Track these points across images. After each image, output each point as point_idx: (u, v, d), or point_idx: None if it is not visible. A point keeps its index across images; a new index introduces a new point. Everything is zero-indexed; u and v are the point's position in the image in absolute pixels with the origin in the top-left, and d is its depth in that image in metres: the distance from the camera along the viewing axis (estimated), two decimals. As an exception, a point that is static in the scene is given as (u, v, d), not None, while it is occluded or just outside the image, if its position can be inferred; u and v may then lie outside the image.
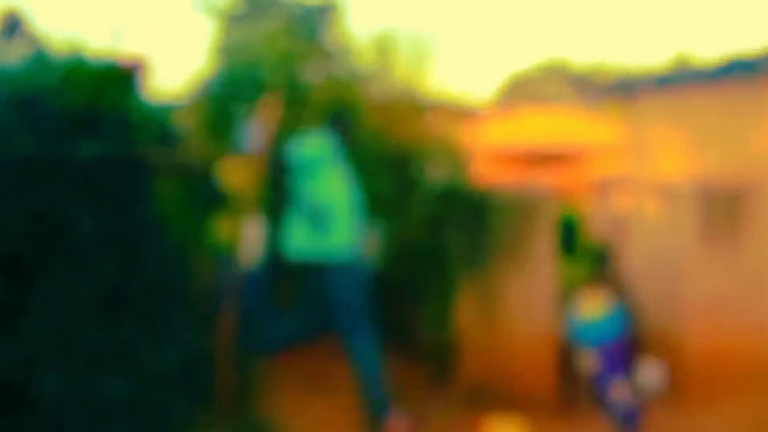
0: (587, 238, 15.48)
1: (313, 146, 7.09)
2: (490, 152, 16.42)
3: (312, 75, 11.62)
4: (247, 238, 6.77)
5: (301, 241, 6.84)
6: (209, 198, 7.42)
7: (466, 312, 9.51)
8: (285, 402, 7.09)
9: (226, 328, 6.15)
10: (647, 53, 79.34)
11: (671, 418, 9.34)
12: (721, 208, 9.75)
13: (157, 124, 7.07)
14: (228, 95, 11.13)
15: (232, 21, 25.02)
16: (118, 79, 5.70)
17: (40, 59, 5.53)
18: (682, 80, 11.93)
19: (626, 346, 8.91)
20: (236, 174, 7.05)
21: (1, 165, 5.03)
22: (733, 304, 9.58)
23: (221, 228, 6.91)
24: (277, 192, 7.45)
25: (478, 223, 9.55)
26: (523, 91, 48.28)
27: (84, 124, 5.45)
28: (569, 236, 10.84)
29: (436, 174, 9.82)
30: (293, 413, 7.07)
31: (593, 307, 8.27)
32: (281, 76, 10.78)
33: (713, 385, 9.34)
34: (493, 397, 9.25)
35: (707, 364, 9.37)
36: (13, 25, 8.24)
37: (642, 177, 11.54)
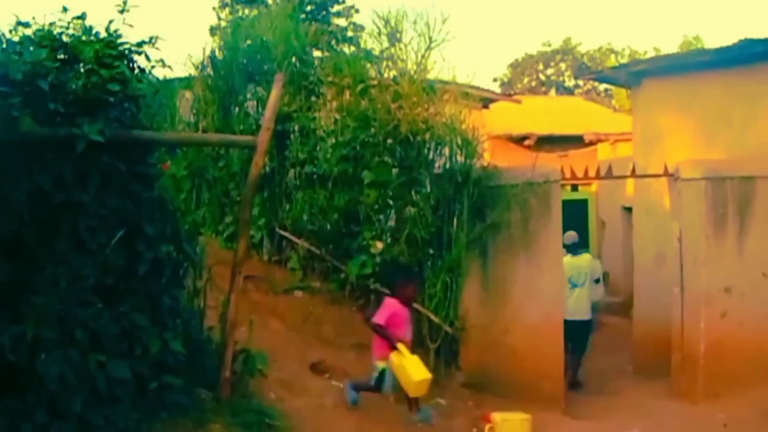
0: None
1: None
2: (497, 135, 16.33)
3: (319, 54, 11.55)
4: None
5: None
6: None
7: (471, 297, 9.47)
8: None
9: (233, 314, 6.10)
10: (656, 37, 78.98)
11: (680, 406, 9.31)
12: (729, 195, 9.66)
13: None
14: (233, 73, 11.08)
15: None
16: (123, 58, 5.63)
17: (44, 37, 5.45)
18: (690, 65, 11.81)
19: None
20: None
21: (6, 145, 4.96)
22: (742, 293, 9.52)
23: None
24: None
25: (484, 206, 9.49)
26: (531, 74, 48.09)
27: (88, 104, 5.39)
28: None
29: (444, 156, 9.76)
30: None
31: None
32: (287, 55, 10.71)
33: (722, 374, 9.29)
34: (496, 383, 9.23)
35: (715, 352, 9.32)
36: None
37: (649, 162, 11.44)
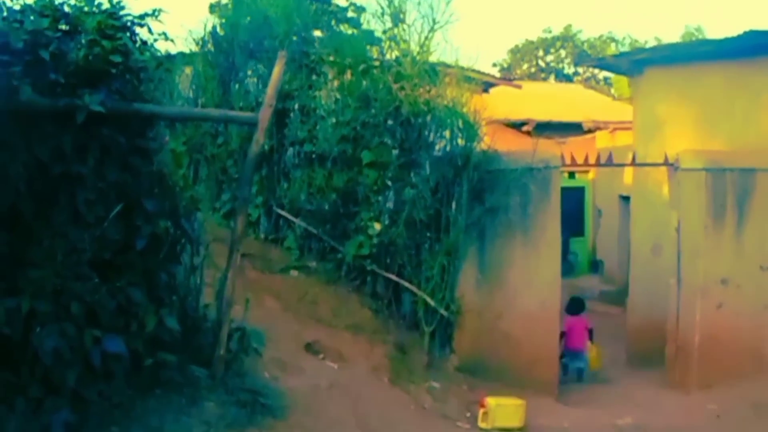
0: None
1: None
2: (496, 120, 16.27)
3: (320, 34, 11.48)
4: None
5: None
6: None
7: (467, 281, 9.43)
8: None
9: (229, 292, 6.05)
10: (657, 27, 78.74)
11: (673, 396, 9.33)
12: (729, 186, 9.63)
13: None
14: (234, 49, 10.99)
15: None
16: (125, 30, 5.55)
17: (46, 7, 5.36)
18: (693, 55, 11.76)
19: None
20: None
21: (5, 114, 4.88)
22: (739, 285, 9.50)
23: None
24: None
25: (483, 190, 9.44)
26: (531, 60, 47.94)
27: (89, 75, 5.32)
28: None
29: (444, 138, 9.70)
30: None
31: None
32: (288, 32, 10.63)
33: (715, 365, 9.29)
34: (490, 368, 9.21)
35: (709, 344, 9.32)
36: None
37: (649, 151, 11.41)
